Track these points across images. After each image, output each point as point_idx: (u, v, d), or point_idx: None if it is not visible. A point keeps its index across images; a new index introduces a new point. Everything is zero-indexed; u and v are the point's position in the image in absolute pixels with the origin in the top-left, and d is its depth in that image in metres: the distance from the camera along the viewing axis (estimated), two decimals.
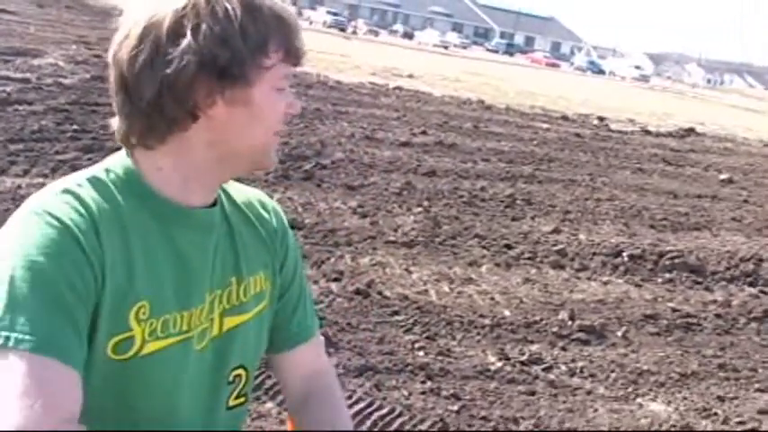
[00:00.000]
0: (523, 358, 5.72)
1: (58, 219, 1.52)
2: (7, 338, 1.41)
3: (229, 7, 1.58)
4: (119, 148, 1.71)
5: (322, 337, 2.03)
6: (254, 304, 1.81)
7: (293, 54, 1.65)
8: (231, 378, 1.77)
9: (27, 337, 1.41)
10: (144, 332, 1.60)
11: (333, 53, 31.53)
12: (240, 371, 1.79)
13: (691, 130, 22.87)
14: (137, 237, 1.61)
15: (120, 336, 1.57)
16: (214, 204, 1.75)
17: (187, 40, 1.55)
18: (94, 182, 1.63)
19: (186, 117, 1.60)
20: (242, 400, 1.81)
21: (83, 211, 1.56)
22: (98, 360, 1.56)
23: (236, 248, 1.79)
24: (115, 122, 1.67)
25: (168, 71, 1.55)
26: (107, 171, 1.66)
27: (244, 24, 1.58)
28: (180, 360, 1.66)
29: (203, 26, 1.56)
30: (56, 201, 1.56)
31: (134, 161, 1.66)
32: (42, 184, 1.70)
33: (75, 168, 1.66)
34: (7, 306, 1.43)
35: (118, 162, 1.67)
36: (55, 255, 1.49)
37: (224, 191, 1.83)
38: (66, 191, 1.59)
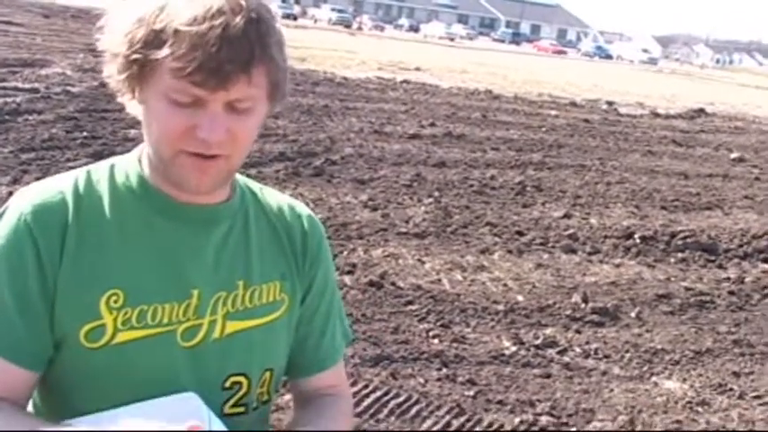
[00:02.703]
0: (538, 342, 5.75)
1: (20, 218, 1.62)
2: None
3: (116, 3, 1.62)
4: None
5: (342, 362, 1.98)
6: (263, 312, 1.77)
7: (191, 73, 1.51)
8: (228, 384, 1.72)
9: None
10: (116, 321, 1.62)
11: (339, 50, 31.57)
12: (240, 378, 1.73)
13: (700, 111, 22.83)
14: (117, 228, 1.66)
15: (90, 323, 1.61)
16: (226, 201, 1.75)
17: (103, 34, 1.63)
18: (90, 173, 1.71)
19: (128, 104, 1.66)
20: (241, 409, 1.74)
21: (55, 204, 1.64)
22: (73, 349, 1.62)
23: (249, 252, 1.77)
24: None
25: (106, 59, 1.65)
26: (113, 165, 1.73)
27: (130, 21, 1.57)
28: (159, 353, 1.65)
29: (107, 23, 1.63)
30: (34, 194, 1.65)
31: (140, 152, 1.73)
32: None
33: None
34: None
35: (131, 156, 1.74)
36: (9, 257, 1.61)
37: (254, 194, 1.84)
38: (53, 182, 1.69)
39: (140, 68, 1.56)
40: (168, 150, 1.59)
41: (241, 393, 1.73)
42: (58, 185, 1.67)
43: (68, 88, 12.93)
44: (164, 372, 1.64)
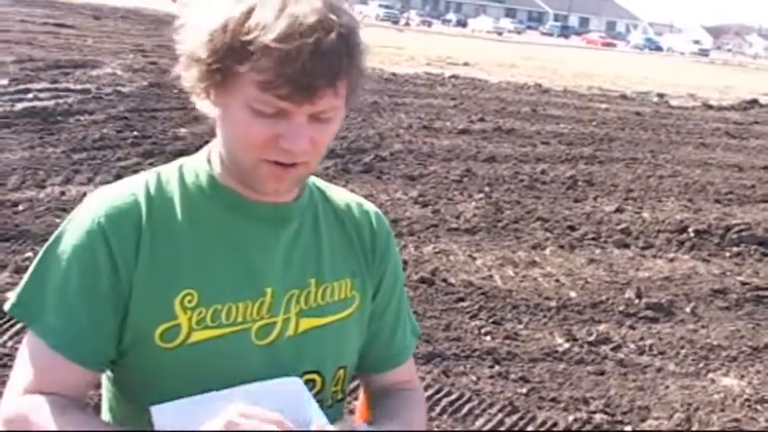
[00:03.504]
0: (591, 338, 5.69)
1: (93, 220, 1.63)
2: (30, 322, 1.64)
3: (207, 5, 1.56)
4: (180, 153, 1.75)
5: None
6: (335, 309, 1.77)
7: (276, 87, 1.50)
8: (303, 381, 1.69)
9: (45, 328, 1.61)
10: (191, 320, 1.63)
11: (387, 46, 31.53)
12: (314, 376, 1.74)
13: (753, 102, 22.47)
14: (190, 228, 1.66)
15: (165, 323, 1.62)
16: (297, 200, 1.75)
17: (183, 34, 1.60)
18: (160, 174, 1.71)
19: (204, 106, 1.64)
20: (329, 403, 1.76)
21: (128, 207, 1.65)
22: (147, 349, 1.63)
23: (320, 250, 1.77)
24: None
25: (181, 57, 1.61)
26: (182, 165, 1.73)
27: (223, 27, 1.51)
28: (235, 352, 1.66)
29: (188, 23, 1.59)
30: (106, 197, 1.66)
31: (209, 152, 1.72)
32: None
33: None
34: (36, 290, 1.64)
35: (199, 156, 1.74)
36: (81, 256, 1.62)
37: (322, 192, 1.84)
38: (123, 185, 1.69)
39: (222, 77, 1.54)
40: (249, 158, 1.58)
41: (315, 391, 1.73)
42: (130, 188, 1.68)
43: (119, 88, 13.07)
44: (238, 370, 1.64)
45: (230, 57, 1.50)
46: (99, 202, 1.65)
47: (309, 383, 1.71)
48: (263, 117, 1.53)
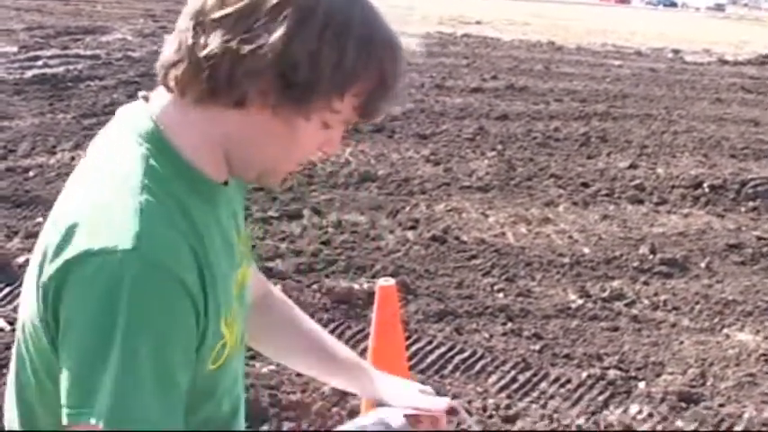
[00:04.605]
0: (605, 295, 5.66)
1: (162, 266, 1.36)
2: (89, 414, 1.31)
3: (346, 24, 1.43)
4: None
5: None
6: (249, 258, 1.77)
7: (368, 113, 1.51)
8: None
9: (108, 415, 1.31)
10: (230, 333, 1.58)
11: (398, 6, 31.30)
12: (238, 327, 1.70)
13: None
14: (204, 228, 1.52)
15: (216, 347, 1.54)
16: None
17: (283, 30, 1.39)
18: (154, 180, 1.45)
19: (230, 98, 1.45)
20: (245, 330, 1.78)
21: (176, 237, 1.42)
22: (200, 377, 1.52)
23: (236, 204, 1.74)
24: (168, 48, 1.51)
25: (243, 41, 1.40)
26: (147, 156, 1.49)
27: (345, 52, 1.42)
28: (241, 345, 1.69)
29: (307, 29, 1.40)
30: (147, 234, 1.36)
31: (167, 124, 1.51)
32: None
33: None
34: (104, 381, 1.31)
35: (148, 136, 1.51)
36: (167, 317, 1.36)
37: None
38: (145, 212, 1.39)
39: (313, 96, 1.44)
40: (285, 164, 1.56)
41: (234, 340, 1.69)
42: (161, 230, 1.40)
43: (129, 53, 13.02)
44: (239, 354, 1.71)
45: (338, 81, 1.44)
46: (139, 258, 1.34)
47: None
48: (326, 128, 1.50)
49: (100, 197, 1.41)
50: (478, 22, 27.93)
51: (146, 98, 1.58)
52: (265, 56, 1.38)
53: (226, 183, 1.60)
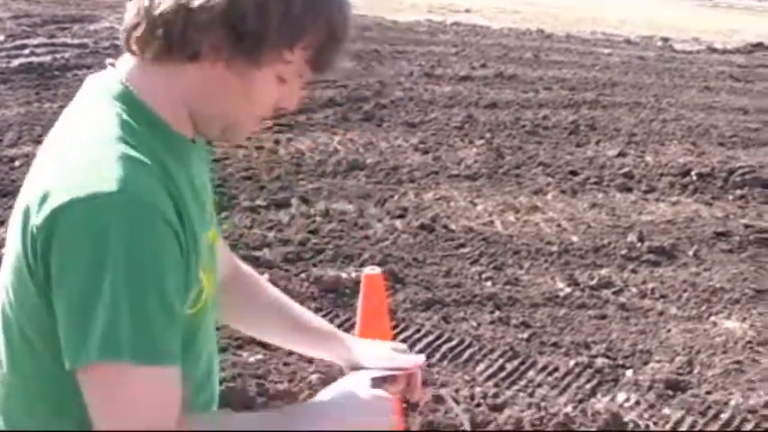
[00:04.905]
0: (593, 283, 5.66)
1: (145, 204, 1.42)
2: (115, 353, 1.37)
3: None
4: None
5: None
6: (217, 223, 1.82)
7: (320, 66, 1.58)
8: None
9: (136, 349, 1.39)
10: (207, 281, 1.63)
11: None
12: (212, 276, 1.74)
13: (759, 45, 22.21)
14: (181, 186, 1.55)
15: (194, 291, 1.58)
16: None
17: None
18: (130, 134, 1.50)
19: (184, 53, 1.51)
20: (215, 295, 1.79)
21: (156, 183, 1.47)
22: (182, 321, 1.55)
23: (204, 167, 1.76)
24: (129, 14, 1.56)
25: None
26: (121, 114, 1.53)
27: (292, 3, 1.48)
28: (213, 289, 1.70)
29: None
30: (128, 178, 1.42)
31: (134, 84, 1.56)
32: None
33: None
34: (112, 316, 1.37)
35: (120, 97, 1.55)
36: (156, 249, 1.42)
37: None
38: (124, 160, 1.45)
39: (262, 48, 1.50)
40: (245, 118, 1.60)
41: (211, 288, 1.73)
42: (135, 159, 1.46)
43: (117, 42, 12.87)
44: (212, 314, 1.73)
45: (286, 31, 1.50)
46: (123, 198, 1.40)
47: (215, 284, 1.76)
48: (282, 83, 1.56)
49: (79, 154, 1.46)
50: (468, 11, 27.83)
51: (113, 65, 1.62)
52: (213, 8, 1.45)
53: (193, 141, 1.64)
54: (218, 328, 1.90)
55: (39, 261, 1.42)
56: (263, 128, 8.61)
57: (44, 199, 1.41)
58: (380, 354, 1.97)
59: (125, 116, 1.52)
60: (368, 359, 1.94)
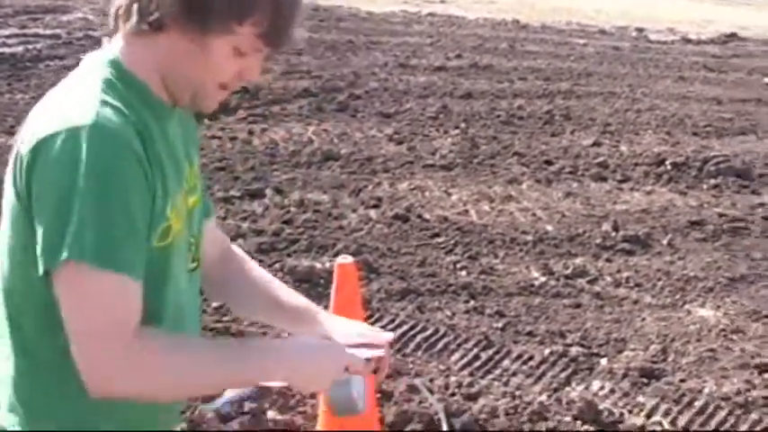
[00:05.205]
0: (568, 272, 5.66)
1: (115, 133, 1.63)
2: (80, 253, 1.56)
3: None
4: None
5: None
6: (197, 189, 1.95)
7: (271, 42, 1.74)
8: (190, 246, 1.92)
9: (98, 252, 1.57)
10: (176, 221, 1.78)
11: None
12: (193, 240, 1.92)
13: (733, 36, 22.30)
14: (155, 136, 1.74)
15: (161, 226, 1.73)
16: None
17: None
18: (112, 90, 1.71)
19: (152, 26, 1.70)
20: (196, 264, 1.95)
21: (126, 122, 1.66)
22: (147, 250, 1.70)
23: (187, 139, 1.94)
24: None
25: None
26: (109, 77, 1.73)
27: None
28: (185, 240, 1.86)
29: None
30: (102, 115, 1.63)
31: (121, 55, 1.76)
32: None
33: None
34: (80, 221, 1.56)
35: (111, 64, 1.76)
36: (121, 170, 1.62)
37: None
38: (102, 104, 1.66)
39: (211, 21, 1.68)
40: (207, 85, 1.76)
41: (195, 250, 1.94)
42: (111, 104, 1.67)
43: (90, 33, 12.82)
44: (183, 254, 1.86)
45: (234, 6, 1.67)
46: (96, 128, 1.61)
47: (192, 246, 1.91)
48: (240, 56, 1.73)
49: (66, 102, 1.68)
50: (443, 1, 27.79)
51: (108, 41, 1.82)
52: None
53: (173, 107, 1.83)
54: (202, 294, 2.05)
55: (23, 183, 1.63)
56: (237, 118, 8.60)
57: (32, 135, 1.63)
58: (352, 330, 2.09)
59: (113, 79, 1.72)
60: (339, 335, 2.03)
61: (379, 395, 3.96)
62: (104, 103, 1.66)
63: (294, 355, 1.81)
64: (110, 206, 1.58)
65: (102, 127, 1.61)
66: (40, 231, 1.59)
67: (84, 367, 1.59)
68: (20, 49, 11.03)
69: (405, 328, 4.76)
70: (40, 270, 1.58)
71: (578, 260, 5.88)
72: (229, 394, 1.77)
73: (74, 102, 1.67)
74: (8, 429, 1.75)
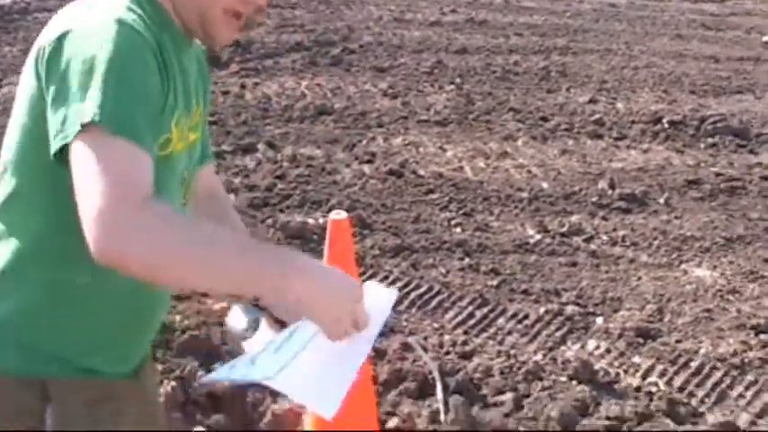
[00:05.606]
0: (563, 230, 5.61)
1: (138, 31, 1.68)
2: (101, 118, 1.57)
3: None
4: None
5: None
6: (199, 127, 2.02)
7: None
8: (183, 180, 1.97)
9: (117, 119, 1.59)
10: (177, 136, 1.83)
11: None
12: (187, 175, 1.98)
13: None
14: (168, 56, 1.78)
15: (164, 136, 1.77)
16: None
17: None
18: (139, 6, 1.76)
19: None
20: (184, 202, 2.00)
21: (150, 33, 1.72)
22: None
23: (201, 81, 2.04)
24: None
25: None
26: (132, 8, 1.76)
27: None
28: (184, 160, 1.93)
29: None
30: (130, 17, 1.70)
31: None
32: None
33: None
34: (103, 90, 1.59)
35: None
36: (143, 57, 1.67)
37: None
38: (129, 10, 1.73)
39: None
40: (212, 8, 1.81)
41: (186, 188, 2.00)
42: (131, 16, 1.72)
43: None
44: (180, 173, 1.92)
45: None
46: (123, 23, 1.68)
47: (185, 182, 1.97)
48: None
49: (93, 9, 1.73)
50: None
51: None
52: None
53: (190, 44, 1.93)
54: None
55: (44, 65, 1.68)
56: (229, 72, 8.48)
57: (55, 32, 1.69)
58: None
59: (138, 1, 1.78)
60: None
61: (372, 353, 3.91)
62: (131, 10, 1.72)
63: (318, 274, 1.74)
64: (131, 82, 1.63)
65: (128, 24, 1.67)
66: (59, 106, 1.62)
67: (93, 226, 1.55)
68: (8, 1, 10.86)
69: (399, 285, 4.70)
70: (57, 146, 1.60)
71: (574, 218, 5.82)
72: (232, 373, 1.70)
73: (101, 8, 1.72)
74: None
